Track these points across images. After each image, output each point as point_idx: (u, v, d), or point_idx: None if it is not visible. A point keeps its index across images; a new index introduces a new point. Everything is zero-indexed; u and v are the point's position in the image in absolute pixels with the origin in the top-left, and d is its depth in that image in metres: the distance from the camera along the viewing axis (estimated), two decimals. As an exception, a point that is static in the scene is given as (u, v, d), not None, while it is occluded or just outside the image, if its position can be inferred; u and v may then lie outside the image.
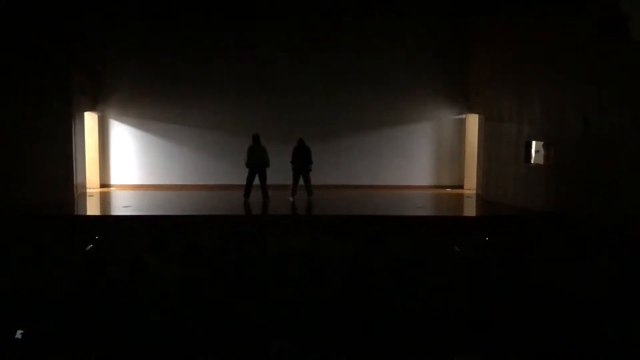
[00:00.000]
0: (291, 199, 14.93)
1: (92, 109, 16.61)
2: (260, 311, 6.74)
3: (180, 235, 10.95)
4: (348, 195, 16.09)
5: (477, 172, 16.45)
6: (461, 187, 17.25)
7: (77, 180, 15.29)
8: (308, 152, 15.02)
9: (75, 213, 14.15)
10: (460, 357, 5.47)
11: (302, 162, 15.01)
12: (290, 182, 15.08)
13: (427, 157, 17.39)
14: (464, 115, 17.23)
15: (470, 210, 15.37)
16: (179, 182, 16.98)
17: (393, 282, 7.98)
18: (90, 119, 16.53)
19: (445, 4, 16.21)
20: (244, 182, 14.94)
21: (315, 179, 15.50)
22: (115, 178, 17.08)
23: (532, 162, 14.45)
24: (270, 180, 14.94)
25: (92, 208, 14.87)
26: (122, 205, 14.87)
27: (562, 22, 13.01)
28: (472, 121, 16.93)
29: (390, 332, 6.29)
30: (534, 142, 14.43)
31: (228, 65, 16.78)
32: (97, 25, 16.28)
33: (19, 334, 5.80)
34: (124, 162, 17.05)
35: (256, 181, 14.89)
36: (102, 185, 16.95)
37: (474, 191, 16.58)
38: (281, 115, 16.86)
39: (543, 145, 14.15)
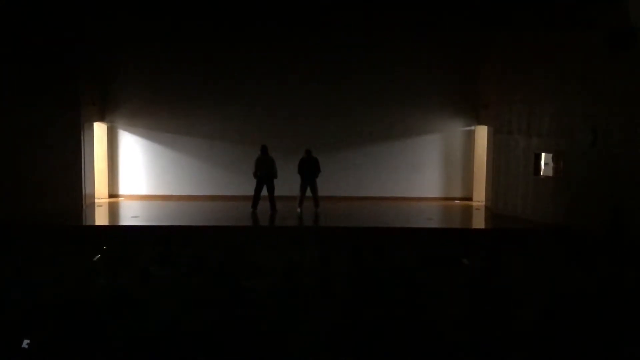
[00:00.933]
0: (298, 210, 14.92)
1: (101, 119, 16.68)
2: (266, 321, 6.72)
3: (187, 246, 10.95)
4: (357, 206, 16.04)
5: (486, 184, 16.38)
6: (470, 199, 17.17)
7: (86, 190, 15.32)
8: (316, 163, 15.03)
9: (84, 223, 14.18)
10: None
11: (308, 173, 15.00)
12: (297, 193, 15.09)
13: (436, 169, 17.32)
14: (473, 127, 17.18)
15: (479, 222, 15.29)
16: (187, 193, 16.98)
17: (399, 291, 7.97)
18: (99, 130, 16.59)
19: (456, 17, 16.19)
20: (252, 193, 14.96)
21: (324, 190, 15.48)
22: (123, 188, 17.11)
23: (541, 174, 14.38)
24: (278, 191, 14.95)
25: (101, 218, 14.89)
26: (131, 215, 14.89)
27: (572, 35, 12.98)
28: (481, 133, 16.88)
29: (392, 336, 6.30)
30: (543, 155, 14.36)
31: (236, 76, 16.80)
32: (107, 36, 16.38)
33: (25, 343, 5.80)
34: (133, 173, 17.08)
35: (264, 192, 14.90)
36: (111, 196, 16.98)
37: (483, 203, 16.50)
38: (289, 127, 16.85)
39: (552, 158, 14.09)
